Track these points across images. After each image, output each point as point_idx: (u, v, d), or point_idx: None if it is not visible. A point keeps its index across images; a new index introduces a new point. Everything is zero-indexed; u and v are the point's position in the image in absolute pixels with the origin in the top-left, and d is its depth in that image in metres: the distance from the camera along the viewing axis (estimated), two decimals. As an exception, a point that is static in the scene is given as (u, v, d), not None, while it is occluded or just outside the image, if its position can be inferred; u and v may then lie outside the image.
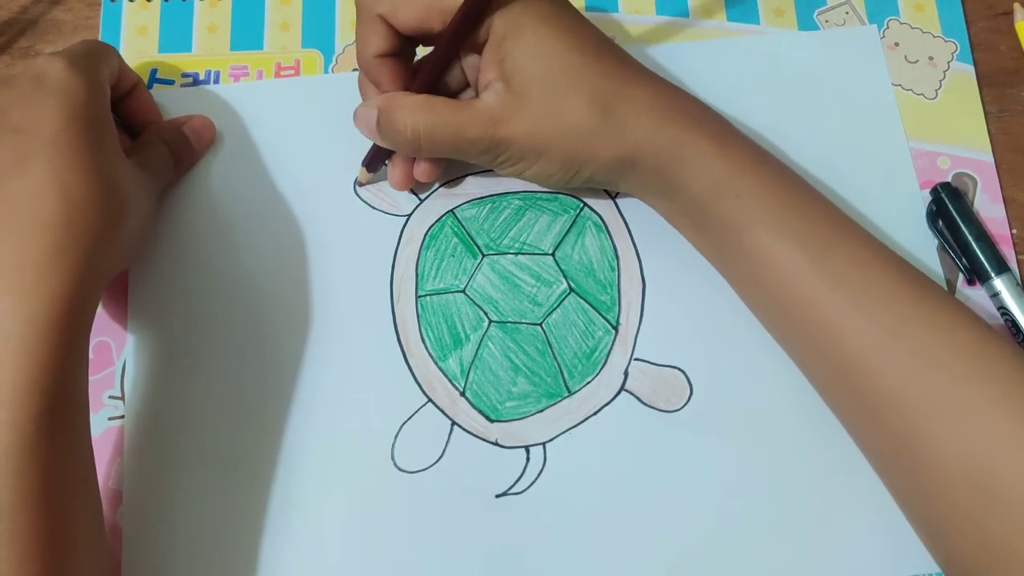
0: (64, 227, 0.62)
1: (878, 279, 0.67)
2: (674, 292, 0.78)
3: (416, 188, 0.80)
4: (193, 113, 0.81)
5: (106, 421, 0.76)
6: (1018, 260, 0.79)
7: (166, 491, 0.74)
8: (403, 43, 0.73)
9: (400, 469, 0.74)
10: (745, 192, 0.70)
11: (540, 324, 0.77)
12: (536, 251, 0.79)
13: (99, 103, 0.70)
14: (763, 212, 0.69)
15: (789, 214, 0.69)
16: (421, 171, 0.78)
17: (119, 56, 0.76)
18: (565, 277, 0.78)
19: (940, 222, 0.79)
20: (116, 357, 0.77)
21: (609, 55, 0.72)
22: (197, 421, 0.76)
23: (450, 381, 0.76)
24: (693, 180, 0.71)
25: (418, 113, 0.70)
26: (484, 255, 0.79)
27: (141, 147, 0.77)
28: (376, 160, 0.78)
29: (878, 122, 0.82)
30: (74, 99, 0.67)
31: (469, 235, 0.79)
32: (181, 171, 0.80)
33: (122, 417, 0.76)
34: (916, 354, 0.64)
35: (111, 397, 0.76)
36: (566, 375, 0.76)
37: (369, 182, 0.80)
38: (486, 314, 0.77)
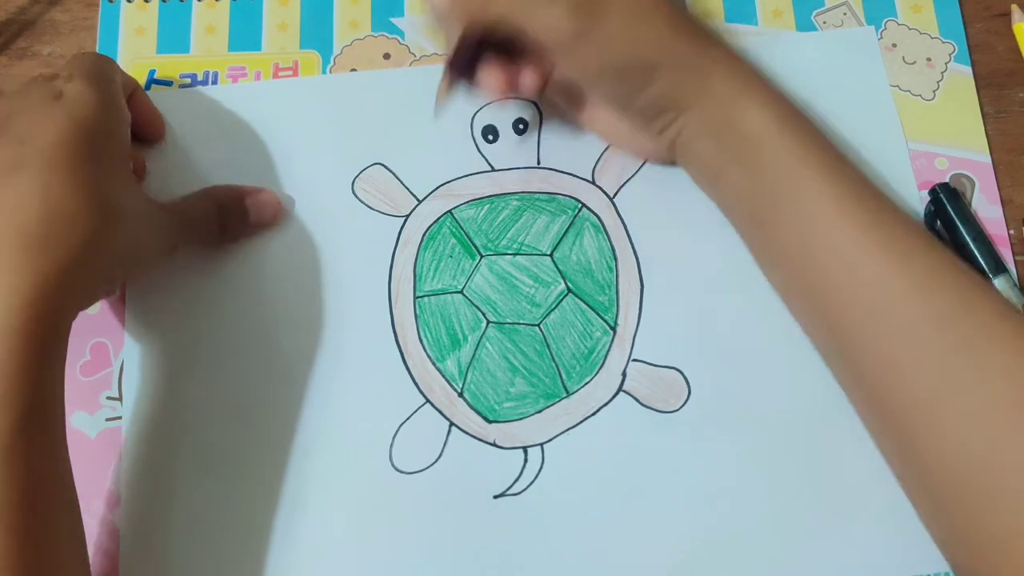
0: (43, 238, 0.62)
1: (928, 261, 0.67)
2: (672, 293, 0.78)
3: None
4: (190, 112, 0.82)
5: (103, 422, 0.76)
6: (1016, 261, 0.79)
7: (163, 493, 0.74)
8: None
9: (398, 470, 0.74)
10: (805, 134, 0.71)
11: (538, 325, 0.77)
12: (534, 252, 0.79)
13: (111, 125, 0.69)
14: (822, 156, 0.70)
15: (848, 170, 0.70)
16: (529, 81, 0.75)
17: (118, 66, 0.76)
18: (563, 278, 0.78)
19: (938, 223, 0.79)
20: (114, 358, 0.77)
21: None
22: (194, 423, 0.76)
23: (448, 382, 0.76)
24: (758, 113, 0.71)
25: None
26: (482, 256, 0.79)
27: (189, 197, 0.78)
28: (456, 69, 0.74)
29: (876, 123, 0.82)
30: (83, 119, 0.66)
31: (467, 236, 0.79)
32: (228, 237, 0.79)
33: (120, 418, 0.76)
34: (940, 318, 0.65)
35: (109, 398, 0.76)
36: (564, 376, 0.76)
37: (446, 100, 0.77)
38: (484, 315, 0.77)
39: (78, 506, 0.66)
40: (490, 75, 0.74)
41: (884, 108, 0.83)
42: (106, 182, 0.66)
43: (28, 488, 0.60)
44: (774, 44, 0.85)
